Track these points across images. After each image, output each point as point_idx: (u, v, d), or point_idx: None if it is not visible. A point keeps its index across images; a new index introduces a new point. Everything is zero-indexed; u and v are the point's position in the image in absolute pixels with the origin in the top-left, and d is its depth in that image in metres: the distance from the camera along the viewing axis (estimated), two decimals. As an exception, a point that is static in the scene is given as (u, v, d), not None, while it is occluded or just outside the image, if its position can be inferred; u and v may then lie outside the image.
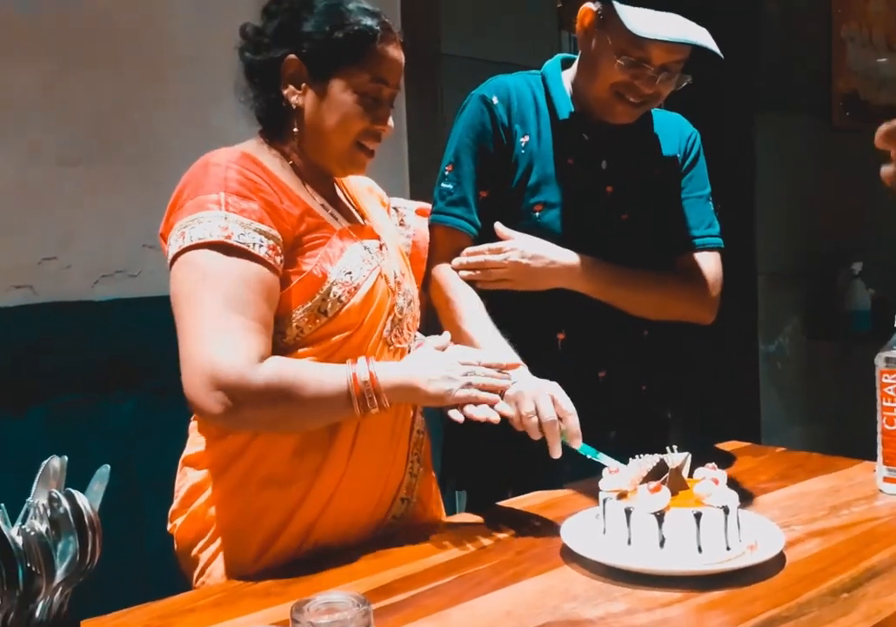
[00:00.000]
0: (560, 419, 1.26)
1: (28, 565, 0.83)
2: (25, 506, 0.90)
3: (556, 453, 1.26)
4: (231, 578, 1.21)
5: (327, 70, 1.25)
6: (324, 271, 1.22)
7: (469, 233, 1.55)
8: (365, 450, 1.27)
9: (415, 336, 1.40)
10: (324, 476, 1.25)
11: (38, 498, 0.90)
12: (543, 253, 1.52)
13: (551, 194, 1.55)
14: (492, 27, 2.80)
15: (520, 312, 1.53)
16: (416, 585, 1.11)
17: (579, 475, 1.38)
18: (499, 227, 1.54)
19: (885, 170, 0.68)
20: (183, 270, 1.17)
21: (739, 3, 3.32)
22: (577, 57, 1.58)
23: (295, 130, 1.28)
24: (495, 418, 1.22)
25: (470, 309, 1.50)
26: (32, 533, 0.85)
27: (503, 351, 1.41)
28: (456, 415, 1.22)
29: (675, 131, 1.66)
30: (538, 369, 1.43)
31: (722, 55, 1.40)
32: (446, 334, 1.35)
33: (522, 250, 1.51)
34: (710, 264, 1.62)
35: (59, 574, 0.86)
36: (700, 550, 1.10)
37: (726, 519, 1.11)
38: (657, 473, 1.17)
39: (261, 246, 1.17)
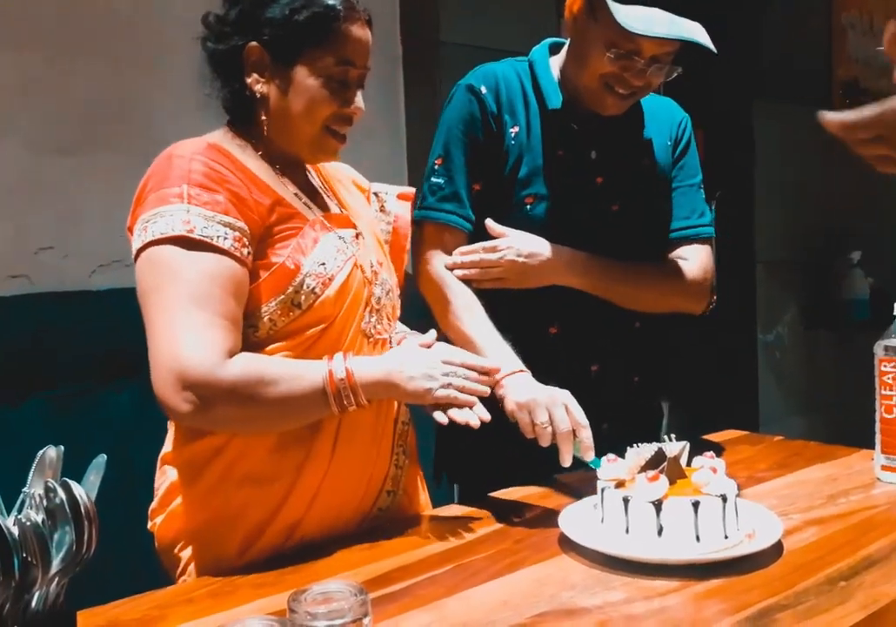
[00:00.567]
0: (573, 430, 1.28)
1: (24, 555, 0.83)
2: (21, 496, 0.89)
3: (567, 462, 1.28)
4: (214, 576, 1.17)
5: (290, 56, 1.21)
6: (296, 262, 1.19)
7: (463, 228, 1.53)
8: (349, 444, 1.25)
9: (395, 327, 1.38)
10: (307, 473, 1.22)
11: (34, 488, 0.89)
12: (539, 250, 1.50)
13: (542, 187, 1.53)
14: (490, 14, 2.78)
15: (513, 306, 1.51)
16: (413, 575, 1.11)
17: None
18: (490, 224, 1.52)
19: (833, 117, 0.67)
20: (146, 266, 1.14)
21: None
22: (566, 43, 1.56)
23: (262, 118, 1.24)
24: (475, 422, 1.21)
25: (470, 311, 1.48)
26: (28, 523, 0.85)
27: (505, 355, 1.41)
28: (440, 417, 1.21)
29: (665, 117, 1.63)
30: (531, 364, 1.43)
31: (714, 49, 1.38)
32: (432, 332, 1.33)
33: (518, 248, 1.49)
34: (702, 254, 1.61)
35: (56, 564, 0.86)
36: (698, 539, 1.10)
37: (724, 508, 1.11)
38: (655, 462, 1.17)
39: (225, 238, 1.13)
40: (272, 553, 1.21)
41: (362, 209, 1.41)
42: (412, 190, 1.51)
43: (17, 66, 1.91)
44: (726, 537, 1.11)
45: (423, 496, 1.44)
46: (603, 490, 1.17)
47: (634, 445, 1.21)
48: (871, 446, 1.44)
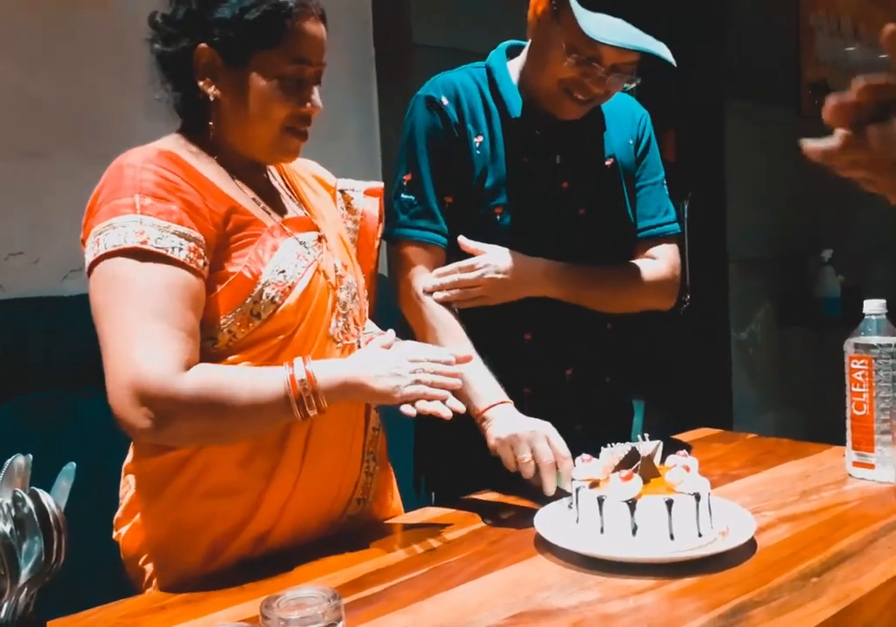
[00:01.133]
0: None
1: (-8, 565, 0.82)
2: (-11, 506, 0.88)
3: (550, 492, 1.30)
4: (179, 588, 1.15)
5: (242, 57, 1.17)
6: (254, 271, 1.15)
7: (439, 244, 1.51)
8: (318, 453, 1.22)
9: (364, 329, 1.35)
10: (276, 483, 1.20)
11: (2, 497, 0.89)
12: (515, 265, 1.48)
13: (510, 196, 1.51)
14: (465, 16, 2.78)
15: (486, 314, 1.50)
16: (389, 578, 1.10)
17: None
18: (464, 241, 1.50)
19: (813, 145, 0.68)
20: (99, 280, 1.11)
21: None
22: (526, 45, 1.54)
23: (216, 122, 1.21)
24: (447, 413, 1.18)
25: (451, 337, 1.46)
26: (-4, 533, 0.84)
27: (488, 385, 1.40)
28: (408, 409, 1.18)
29: (625, 115, 1.63)
30: (507, 371, 1.43)
31: (675, 63, 1.37)
32: (390, 332, 1.31)
33: (495, 264, 1.47)
34: (669, 252, 1.61)
35: (24, 574, 0.85)
36: (672, 537, 1.10)
37: (698, 506, 1.12)
38: (629, 461, 1.17)
39: (180, 249, 1.10)
40: (238, 563, 1.19)
41: (326, 209, 1.37)
42: (380, 185, 1.47)
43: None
44: (700, 535, 1.12)
45: (395, 502, 1.42)
46: (578, 490, 1.18)
47: (608, 445, 1.22)
48: (845, 442, 1.45)
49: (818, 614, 0.95)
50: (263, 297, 1.15)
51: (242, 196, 1.22)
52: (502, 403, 1.39)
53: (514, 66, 1.57)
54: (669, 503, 1.10)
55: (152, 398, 1.05)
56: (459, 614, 0.99)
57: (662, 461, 1.22)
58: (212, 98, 1.19)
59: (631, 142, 1.62)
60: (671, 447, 1.25)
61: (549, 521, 1.20)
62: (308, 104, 1.21)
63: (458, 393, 1.24)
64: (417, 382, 1.18)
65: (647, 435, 1.24)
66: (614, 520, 1.12)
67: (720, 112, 3.46)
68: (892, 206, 0.72)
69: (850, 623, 0.98)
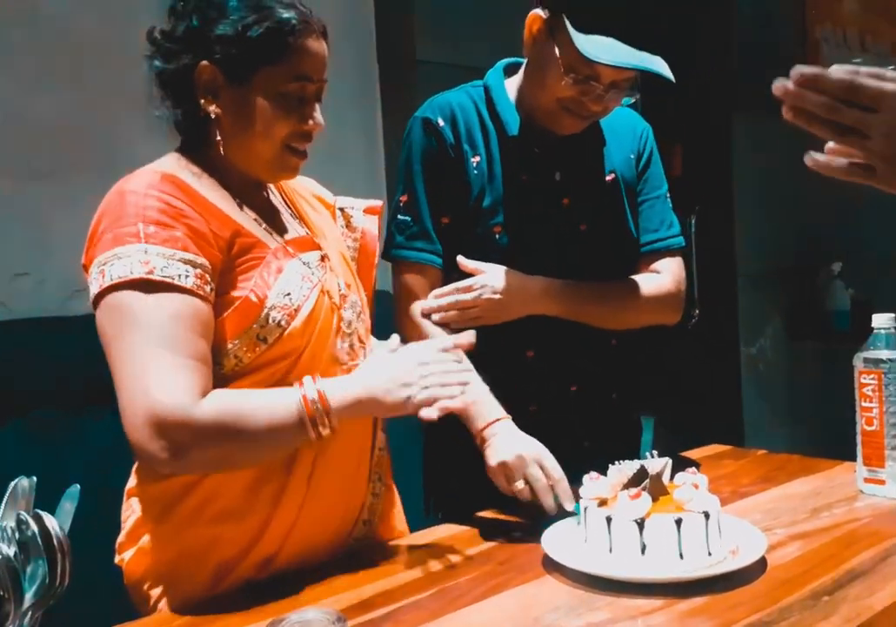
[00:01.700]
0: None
1: (-5, 589, 0.82)
2: (-7, 529, 0.88)
3: (552, 511, 1.30)
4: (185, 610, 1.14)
5: (245, 74, 1.16)
6: (260, 295, 1.15)
7: (435, 265, 1.51)
8: (325, 476, 1.21)
9: (369, 346, 1.33)
10: (283, 507, 1.19)
11: (6, 520, 0.88)
12: (513, 284, 1.47)
13: (508, 215, 1.51)
14: (468, 33, 2.80)
15: (488, 334, 1.46)
16: (395, 600, 1.09)
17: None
18: (462, 261, 1.49)
19: (815, 157, 0.68)
20: (107, 313, 1.10)
21: (715, 6, 3.34)
22: (524, 62, 1.54)
23: (217, 140, 1.19)
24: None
25: None
26: (0, 557, 0.84)
27: (485, 402, 1.39)
28: (427, 413, 1.15)
29: (626, 130, 1.62)
30: (510, 387, 1.42)
31: (673, 78, 1.36)
32: (395, 337, 1.29)
33: (493, 284, 1.47)
34: (673, 266, 1.61)
35: (28, 597, 0.85)
36: (681, 556, 1.09)
37: (707, 525, 1.10)
38: (638, 479, 1.16)
39: (187, 277, 1.09)
40: (244, 585, 1.18)
41: (327, 228, 1.37)
42: (379, 203, 1.46)
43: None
44: (710, 554, 1.10)
45: (400, 523, 1.41)
46: (586, 509, 1.17)
47: (617, 462, 1.20)
48: (856, 457, 1.43)
49: (830, 634, 0.94)
50: (270, 321, 1.15)
51: (245, 218, 1.21)
52: (497, 420, 1.38)
53: (512, 84, 1.56)
54: (679, 522, 1.09)
55: (172, 429, 1.05)
56: (466, 636, 0.99)
57: (671, 478, 1.21)
58: (213, 116, 1.18)
59: (632, 156, 1.61)
60: (680, 465, 1.24)
61: (557, 541, 1.19)
62: (310, 121, 1.21)
63: (458, 414, 1.23)
64: (427, 386, 1.16)
65: (655, 452, 1.23)
66: (623, 539, 1.11)
67: (727, 126, 3.46)
68: None
69: (863, 643, 0.97)
